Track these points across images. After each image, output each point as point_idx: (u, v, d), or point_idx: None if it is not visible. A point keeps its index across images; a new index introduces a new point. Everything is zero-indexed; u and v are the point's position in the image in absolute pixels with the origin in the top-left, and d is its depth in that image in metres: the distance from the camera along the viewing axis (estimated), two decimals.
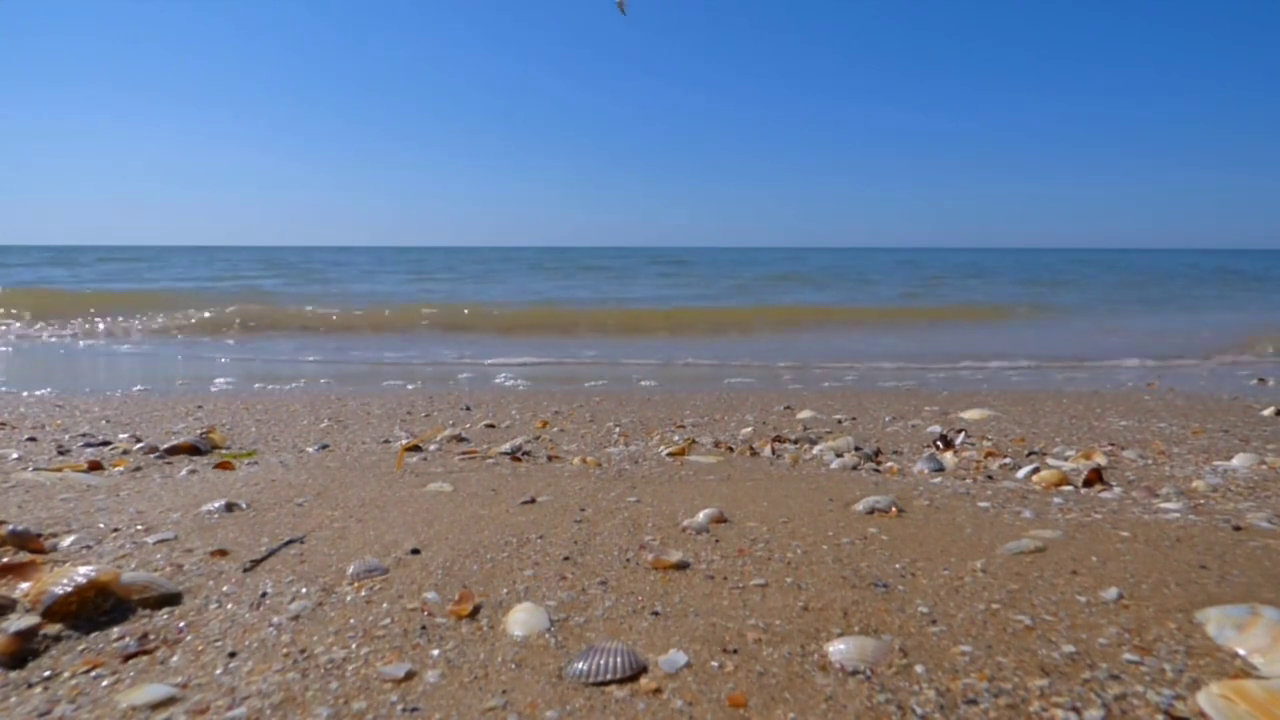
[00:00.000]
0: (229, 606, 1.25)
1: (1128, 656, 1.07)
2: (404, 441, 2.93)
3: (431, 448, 2.83)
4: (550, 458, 2.64)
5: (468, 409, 3.86)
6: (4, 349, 7.39)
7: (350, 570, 1.40)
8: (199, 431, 3.08)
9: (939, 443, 2.86)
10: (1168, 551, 1.52)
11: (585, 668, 1.04)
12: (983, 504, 1.93)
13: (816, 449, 2.75)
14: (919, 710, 0.95)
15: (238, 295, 13.23)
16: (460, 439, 2.99)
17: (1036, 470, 2.30)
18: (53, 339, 8.30)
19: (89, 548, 1.53)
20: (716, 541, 1.60)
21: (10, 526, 1.54)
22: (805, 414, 3.63)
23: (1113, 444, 2.83)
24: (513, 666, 1.07)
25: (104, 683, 1.02)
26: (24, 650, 1.09)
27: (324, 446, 2.84)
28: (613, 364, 6.36)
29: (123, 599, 1.23)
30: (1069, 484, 2.16)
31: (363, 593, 1.31)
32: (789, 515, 1.80)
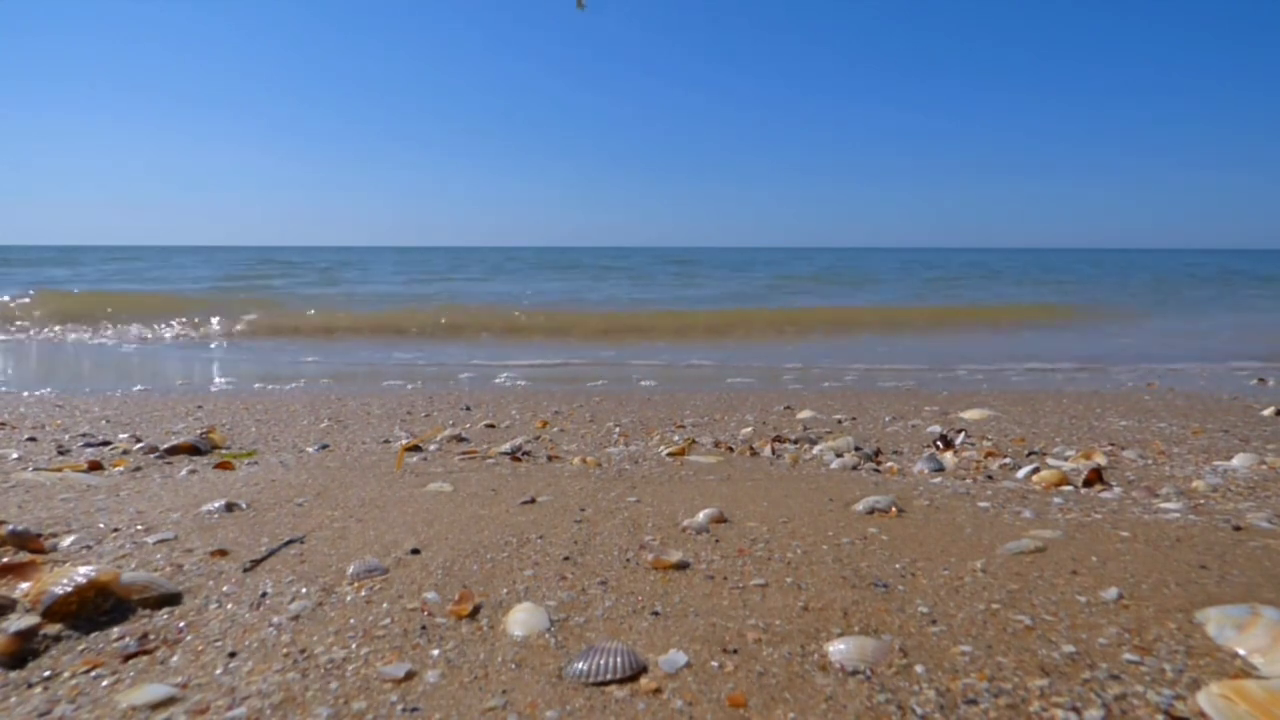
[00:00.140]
0: (229, 606, 1.25)
1: (1128, 656, 1.07)
2: (404, 441, 2.93)
3: (431, 448, 2.83)
4: (550, 458, 2.64)
5: (468, 409, 3.86)
6: (54, 352, 7.40)
7: (350, 570, 1.40)
8: (199, 431, 3.08)
9: (939, 443, 2.86)
10: (1168, 551, 1.52)
11: (585, 668, 1.04)
12: (983, 504, 1.93)
13: (816, 449, 2.75)
14: (919, 710, 0.95)
15: (265, 297, 12.99)
16: (460, 439, 2.99)
17: (1036, 470, 2.30)
18: (107, 341, 8.27)
19: (89, 548, 1.53)
20: (716, 541, 1.60)
21: (10, 526, 1.54)
22: (805, 414, 3.63)
23: (1113, 444, 2.83)
24: (513, 666, 1.07)
25: (104, 683, 1.02)
26: (24, 650, 1.09)
27: (324, 446, 2.84)
28: (662, 367, 6.20)
29: (123, 599, 1.23)
30: (1069, 484, 2.16)
31: (363, 593, 1.31)
32: (789, 515, 1.80)
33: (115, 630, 1.16)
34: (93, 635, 1.15)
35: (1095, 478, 2.17)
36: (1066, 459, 2.56)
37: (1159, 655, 1.08)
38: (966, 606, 1.25)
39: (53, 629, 1.14)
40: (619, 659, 1.05)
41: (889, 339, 8.69)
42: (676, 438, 3.05)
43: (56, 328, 9.12)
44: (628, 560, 1.48)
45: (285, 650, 1.11)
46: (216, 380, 5.21)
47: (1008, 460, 2.52)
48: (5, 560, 1.34)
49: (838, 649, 1.09)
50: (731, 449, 2.82)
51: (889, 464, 2.55)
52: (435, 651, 1.11)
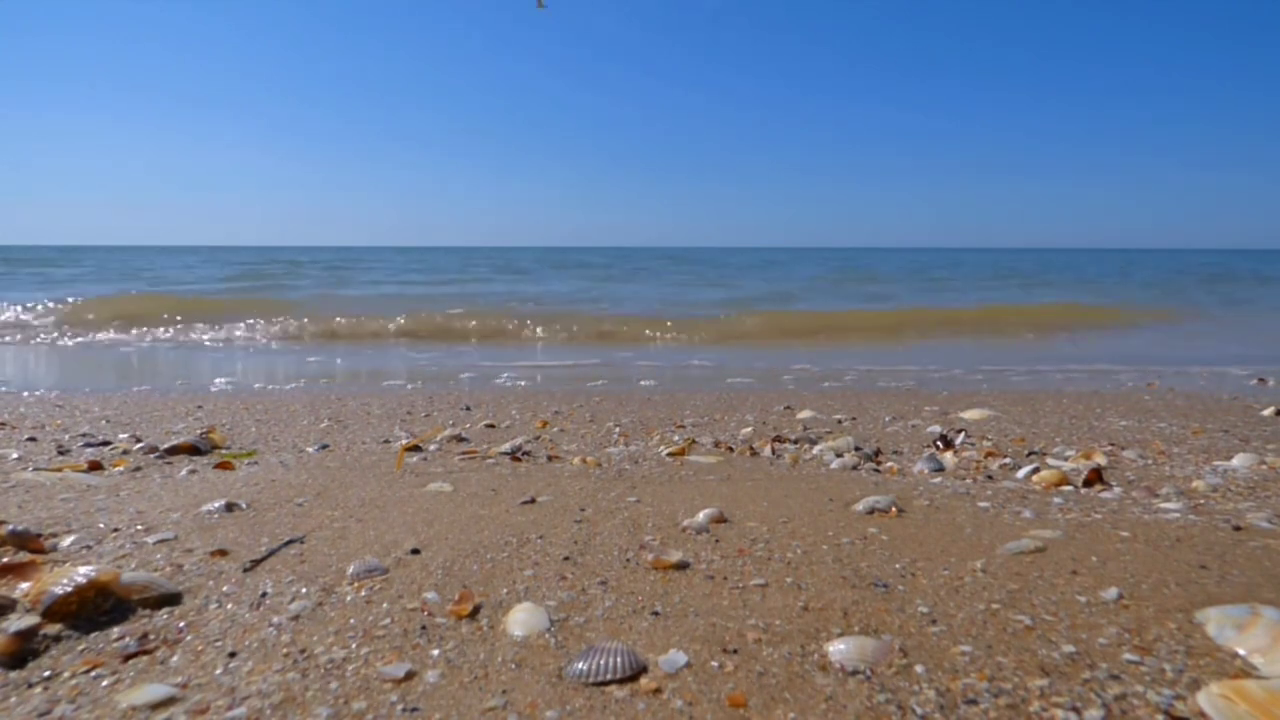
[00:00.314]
0: (229, 606, 1.25)
1: (1128, 656, 1.07)
2: (404, 441, 2.93)
3: (431, 448, 2.83)
4: (550, 458, 2.64)
5: (468, 409, 3.86)
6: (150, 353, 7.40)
7: (350, 570, 1.40)
8: (199, 431, 3.08)
9: (939, 443, 2.86)
10: (1168, 551, 1.52)
11: (585, 668, 1.04)
12: (983, 504, 1.93)
13: (816, 449, 2.75)
14: (919, 710, 0.95)
15: (294, 298, 12.70)
16: (460, 439, 2.99)
17: (1036, 470, 2.30)
18: (208, 342, 8.23)
19: (89, 548, 1.53)
20: (716, 541, 1.60)
21: (10, 526, 1.54)
22: (805, 414, 3.63)
23: (1113, 444, 2.83)
24: (513, 666, 1.07)
25: (104, 683, 1.02)
26: (24, 650, 1.09)
27: (324, 446, 2.84)
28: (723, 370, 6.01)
29: (123, 599, 1.23)
30: (1069, 484, 2.16)
31: (363, 593, 1.31)
32: (789, 515, 1.80)
33: (115, 630, 1.16)
34: (93, 635, 1.15)
35: (1095, 478, 2.17)
36: (1066, 459, 2.56)
37: (1159, 655, 1.08)
38: (966, 606, 1.25)
39: (53, 629, 1.14)
40: (619, 659, 1.05)
41: (992, 340, 8.33)
42: (676, 438, 3.05)
43: (132, 331, 8.90)
44: (628, 560, 1.48)
45: (285, 650, 1.11)
46: (216, 380, 5.21)
47: (1008, 460, 2.52)
48: (5, 560, 1.34)
49: (838, 649, 1.09)
50: (731, 449, 2.82)
51: (889, 464, 2.55)
52: (435, 651, 1.11)
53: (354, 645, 1.12)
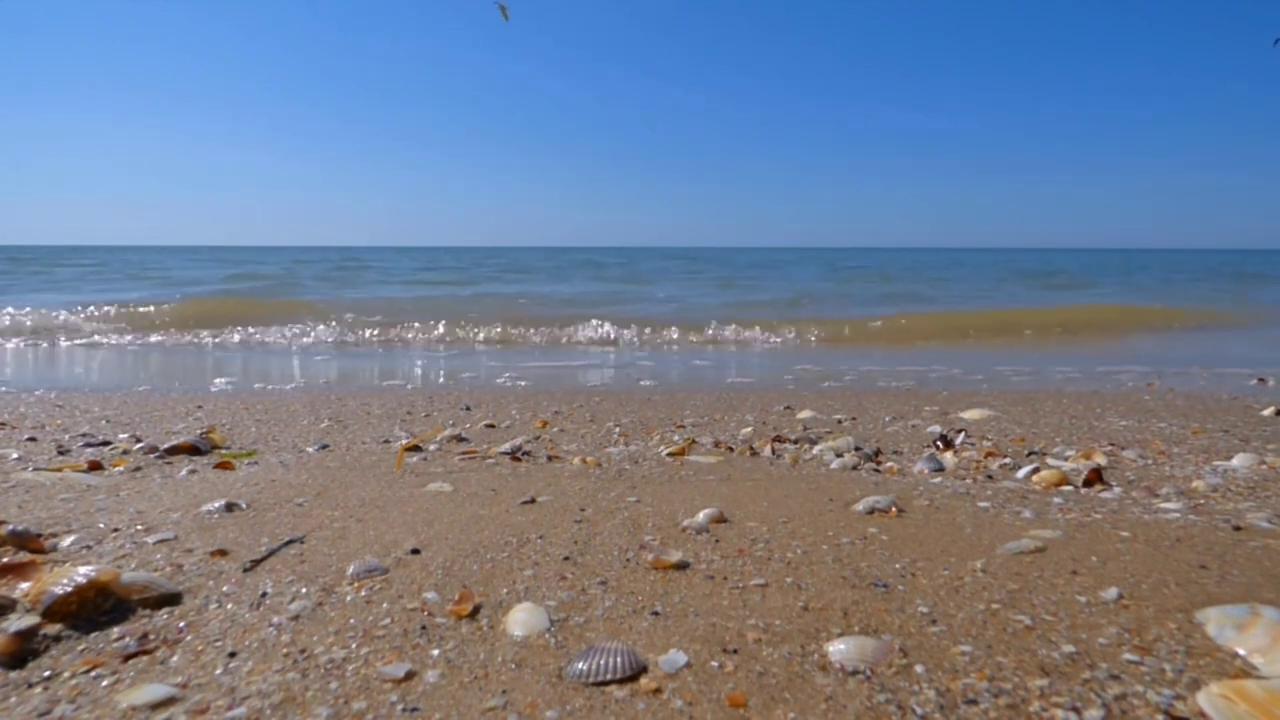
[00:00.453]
0: (229, 606, 1.25)
1: (1128, 656, 1.07)
2: (404, 441, 2.93)
3: (431, 448, 2.83)
4: (550, 458, 2.64)
5: (468, 409, 3.86)
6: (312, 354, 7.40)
7: (350, 570, 1.40)
8: (199, 431, 3.08)
9: (939, 443, 2.86)
10: (1168, 551, 1.52)
11: (585, 668, 1.04)
12: (983, 504, 1.93)
13: (816, 449, 2.75)
14: (919, 710, 0.95)
15: (375, 302, 12.33)
16: (460, 439, 2.99)
17: (1036, 470, 2.30)
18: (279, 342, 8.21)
19: (89, 548, 1.53)
20: (716, 541, 1.60)
21: (10, 526, 1.54)
22: (805, 414, 3.63)
23: (1113, 444, 2.83)
24: (513, 666, 1.07)
25: (104, 683, 1.02)
26: (24, 650, 1.09)
27: (324, 446, 2.84)
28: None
29: (123, 599, 1.23)
30: (1069, 484, 2.16)
31: (363, 593, 1.31)
32: (789, 515, 1.80)
33: (115, 630, 1.16)
34: (93, 635, 1.15)
35: (1095, 478, 2.17)
36: (1066, 459, 2.56)
37: (1159, 655, 1.08)
38: (966, 606, 1.25)
39: (53, 629, 1.14)
40: (619, 659, 1.05)
41: (1109, 345, 8.16)
42: (676, 438, 3.05)
43: (204, 332, 8.78)
44: (628, 560, 1.48)
45: (285, 650, 1.11)
46: (216, 380, 5.21)
47: (1008, 460, 2.52)
48: (5, 560, 1.34)
49: (838, 649, 1.09)
50: (731, 449, 2.82)
51: (889, 464, 2.55)
52: (435, 651, 1.11)
53: (354, 645, 1.12)
